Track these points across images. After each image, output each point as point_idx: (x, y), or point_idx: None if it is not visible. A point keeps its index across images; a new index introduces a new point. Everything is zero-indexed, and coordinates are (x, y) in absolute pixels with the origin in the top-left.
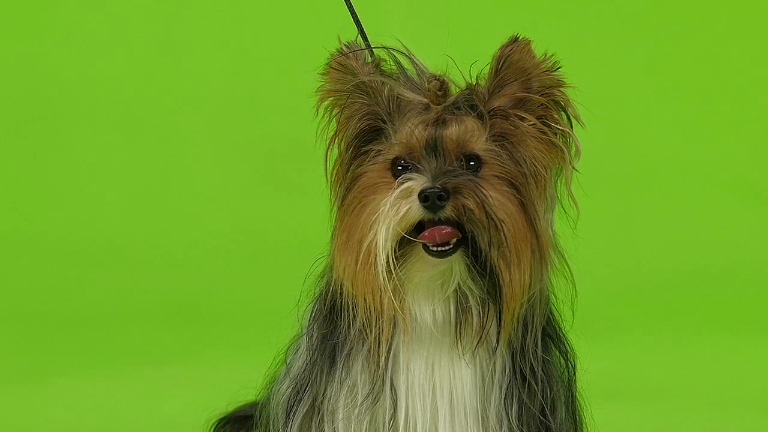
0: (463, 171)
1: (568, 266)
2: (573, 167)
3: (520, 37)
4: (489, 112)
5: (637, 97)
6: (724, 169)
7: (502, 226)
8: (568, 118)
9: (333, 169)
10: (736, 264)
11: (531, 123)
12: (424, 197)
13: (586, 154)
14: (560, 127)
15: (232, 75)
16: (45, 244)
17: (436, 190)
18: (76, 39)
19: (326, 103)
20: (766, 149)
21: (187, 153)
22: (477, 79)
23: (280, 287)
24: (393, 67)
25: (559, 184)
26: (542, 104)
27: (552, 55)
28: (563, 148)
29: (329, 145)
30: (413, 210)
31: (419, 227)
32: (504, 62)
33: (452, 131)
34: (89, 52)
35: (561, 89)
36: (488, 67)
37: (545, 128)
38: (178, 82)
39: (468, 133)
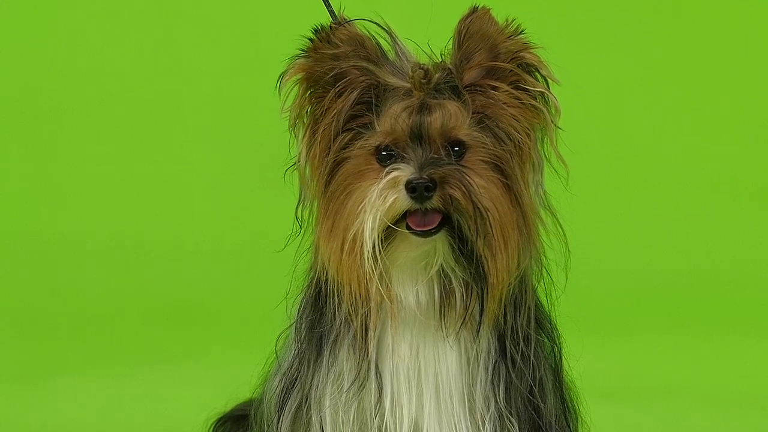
0: (448, 159)
1: (561, 227)
2: (555, 125)
3: (479, 7)
4: (465, 88)
5: (638, 97)
6: (724, 169)
7: (487, 214)
8: (544, 79)
9: (313, 141)
10: (736, 264)
11: (504, 91)
12: (411, 188)
13: (587, 154)
14: (536, 89)
15: (233, 76)
16: (45, 244)
17: (423, 181)
18: (77, 40)
19: (307, 75)
20: (766, 149)
21: (188, 153)
22: (441, 57)
23: (281, 287)
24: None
25: (545, 145)
26: (512, 70)
27: (514, 20)
28: (543, 109)
29: (323, 113)
30: (400, 200)
31: (404, 213)
32: (465, 34)
33: (436, 117)
34: (91, 53)
35: (531, 51)
36: (450, 42)
37: (520, 93)
38: (179, 83)
39: (452, 119)
